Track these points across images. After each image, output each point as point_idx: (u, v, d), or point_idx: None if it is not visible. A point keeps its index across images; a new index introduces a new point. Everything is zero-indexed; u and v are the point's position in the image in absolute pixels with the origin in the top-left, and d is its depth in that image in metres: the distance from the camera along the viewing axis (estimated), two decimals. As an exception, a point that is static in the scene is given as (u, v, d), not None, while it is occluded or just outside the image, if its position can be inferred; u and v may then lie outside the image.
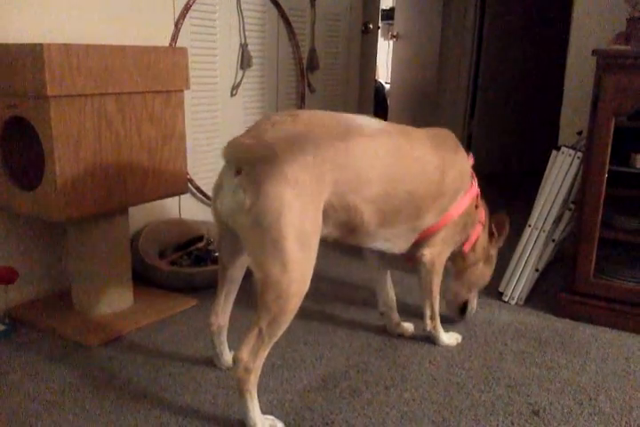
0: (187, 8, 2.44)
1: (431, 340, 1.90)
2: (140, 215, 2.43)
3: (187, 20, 2.46)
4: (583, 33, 2.60)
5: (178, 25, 2.43)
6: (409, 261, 1.85)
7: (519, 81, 4.79)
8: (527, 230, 2.23)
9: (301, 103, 3.10)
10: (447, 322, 1.98)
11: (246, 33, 2.71)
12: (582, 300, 2.07)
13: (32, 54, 1.62)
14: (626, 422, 1.52)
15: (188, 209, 2.66)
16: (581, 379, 1.72)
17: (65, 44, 1.66)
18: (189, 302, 2.16)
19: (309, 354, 1.83)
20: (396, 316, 1.96)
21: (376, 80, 4.55)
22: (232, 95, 2.72)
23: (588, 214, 1.99)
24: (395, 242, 1.71)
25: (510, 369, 1.76)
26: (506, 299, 2.25)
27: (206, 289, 2.21)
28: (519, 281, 2.24)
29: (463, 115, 4.73)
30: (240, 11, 2.67)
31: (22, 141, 1.85)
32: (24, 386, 1.63)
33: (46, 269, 2.17)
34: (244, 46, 2.71)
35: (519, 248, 2.25)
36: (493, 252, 1.98)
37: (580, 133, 2.41)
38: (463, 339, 1.94)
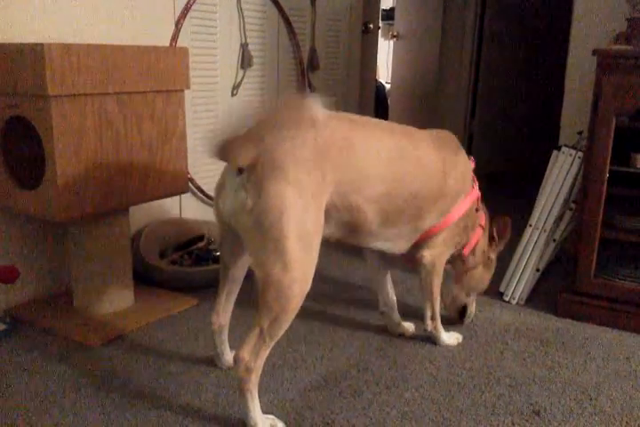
0: (187, 8, 2.44)
1: (432, 340, 1.90)
2: (141, 215, 2.43)
3: (187, 20, 2.46)
4: (584, 33, 2.60)
5: (178, 25, 2.43)
6: (409, 263, 1.85)
7: (520, 81, 4.80)
8: (528, 230, 2.23)
9: (302, 103, 3.09)
10: (448, 322, 1.98)
11: (247, 33, 2.71)
12: (583, 300, 2.07)
13: (33, 54, 1.62)
14: (626, 422, 1.52)
15: (189, 209, 2.66)
16: (582, 379, 1.72)
17: (65, 44, 1.66)
18: (190, 301, 2.16)
19: (310, 354, 1.83)
20: (396, 316, 1.96)
21: (376, 80, 4.54)
22: (232, 95, 2.72)
23: (588, 214, 1.99)
24: (396, 242, 1.71)
25: (511, 369, 1.76)
26: (507, 299, 2.25)
27: (207, 289, 2.21)
28: (520, 281, 2.24)
29: (464, 114, 4.73)
30: (240, 10, 2.67)
31: (23, 141, 1.85)
32: (24, 385, 1.63)
33: (47, 269, 2.17)
34: (244, 46, 2.71)
35: (520, 248, 2.25)
36: (493, 256, 1.98)
37: (580, 133, 2.42)
38: (464, 339, 1.94)
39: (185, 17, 2.44)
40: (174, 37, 2.43)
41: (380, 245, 1.70)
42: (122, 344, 1.86)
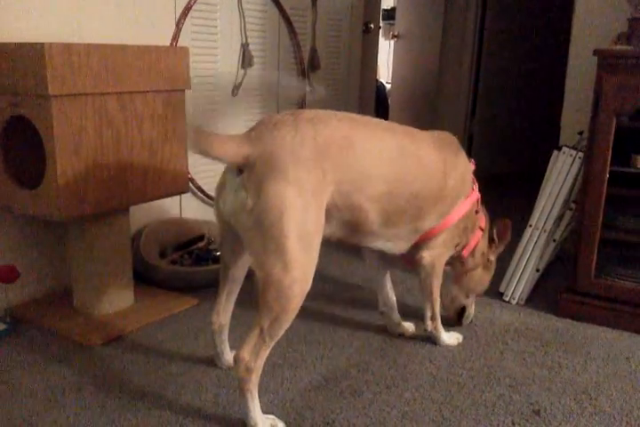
0: (188, 8, 2.44)
1: (432, 340, 1.90)
2: (141, 215, 2.43)
3: (188, 20, 2.46)
4: (584, 33, 2.60)
5: (179, 24, 2.43)
6: (408, 264, 1.85)
7: (520, 81, 4.80)
8: (528, 230, 2.23)
9: (302, 103, 3.10)
10: (446, 323, 1.97)
11: (247, 33, 2.71)
12: (583, 300, 2.07)
13: (33, 53, 1.62)
14: (626, 422, 1.52)
15: (189, 208, 2.66)
16: (582, 379, 1.72)
17: (66, 44, 1.66)
18: (190, 301, 2.16)
19: (310, 354, 1.83)
20: (396, 315, 1.96)
21: (377, 80, 4.54)
22: (233, 95, 2.72)
23: (589, 214, 1.99)
24: (396, 242, 1.71)
25: (511, 369, 1.76)
26: (507, 299, 2.25)
27: (207, 288, 2.21)
28: (520, 281, 2.24)
29: (464, 114, 4.72)
30: (241, 10, 2.67)
31: (23, 140, 1.85)
32: (25, 385, 1.63)
33: (47, 269, 2.17)
34: (245, 46, 2.71)
35: (520, 248, 2.25)
36: (493, 258, 1.98)
37: (581, 133, 2.41)
38: (464, 339, 1.94)
39: (186, 17, 2.44)
40: (175, 37, 2.43)
41: (380, 245, 1.70)
42: (122, 344, 1.87)
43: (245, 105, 2.80)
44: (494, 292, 2.27)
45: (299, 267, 1.34)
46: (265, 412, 1.46)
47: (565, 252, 2.41)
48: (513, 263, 2.26)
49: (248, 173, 1.34)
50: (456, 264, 1.92)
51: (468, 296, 1.99)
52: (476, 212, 1.84)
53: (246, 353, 1.37)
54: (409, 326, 1.96)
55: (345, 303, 2.21)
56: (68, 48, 1.65)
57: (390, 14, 5.99)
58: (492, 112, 4.74)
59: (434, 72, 4.76)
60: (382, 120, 1.64)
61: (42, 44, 1.60)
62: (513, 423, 1.50)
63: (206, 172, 2.62)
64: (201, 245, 2.50)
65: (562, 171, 2.16)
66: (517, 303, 2.23)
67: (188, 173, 2.20)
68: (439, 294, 1.86)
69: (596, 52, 1.92)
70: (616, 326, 2.03)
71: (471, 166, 1.82)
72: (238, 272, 1.62)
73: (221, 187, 1.44)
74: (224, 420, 1.49)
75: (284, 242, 1.31)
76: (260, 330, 1.36)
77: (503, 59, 4.65)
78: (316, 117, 1.44)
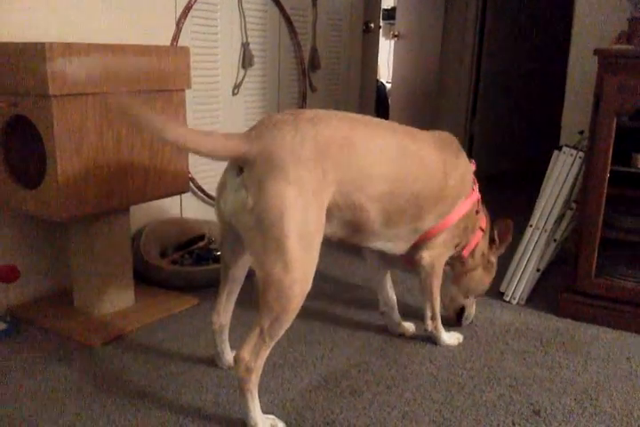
0: (188, 7, 2.44)
1: (432, 340, 1.90)
2: (142, 214, 2.43)
3: (188, 20, 2.46)
4: (585, 32, 2.60)
5: (179, 24, 2.43)
6: (408, 264, 1.85)
7: (521, 80, 4.80)
8: (529, 230, 2.23)
9: (303, 102, 3.10)
10: (446, 324, 1.97)
11: (248, 32, 2.71)
12: (584, 300, 2.07)
13: (34, 53, 1.62)
14: (627, 423, 1.52)
15: (190, 208, 2.66)
16: (582, 379, 1.72)
17: (67, 44, 1.66)
18: (190, 301, 2.16)
19: (310, 354, 1.83)
20: (396, 315, 1.96)
21: (377, 79, 4.54)
22: (233, 94, 2.72)
23: (589, 214, 1.99)
24: (396, 243, 1.71)
25: (511, 369, 1.76)
26: (507, 299, 2.25)
27: (207, 288, 2.21)
28: (520, 281, 2.24)
29: (465, 114, 4.72)
30: (241, 10, 2.67)
31: (24, 140, 1.85)
32: (25, 385, 1.63)
33: (48, 268, 2.17)
34: (245, 45, 2.71)
35: (520, 248, 2.25)
36: (493, 259, 1.98)
37: (581, 133, 2.41)
38: (464, 339, 1.93)
39: (186, 16, 2.44)
40: (175, 37, 2.42)
41: (380, 245, 1.70)
42: (122, 344, 1.86)
43: (246, 104, 2.80)
44: (495, 292, 2.27)
45: (299, 267, 1.34)
46: (265, 412, 1.46)
47: (566, 252, 2.41)
48: (513, 263, 2.26)
49: (248, 172, 1.34)
50: (456, 264, 1.92)
51: (467, 297, 1.99)
52: (477, 212, 1.84)
53: (246, 353, 1.37)
54: (409, 326, 1.96)
55: (345, 303, 2.21)
56: (68, 48, 1.65)
57: (390, 14, 5.99)
58: (492, 112, 4.74)
59: (434, 72, 4.76)
60: (383, 120, 1.64)
61: (42, 44, 1.60)
62: (513, 423, 1.50)
63: (207, 171, 2.63)
64: (201, 244, 2.50)
65: (562, 170, 2.16)
66: (518, 303, 2.23)
67: (189, 173, 2.20)
68: (439, 294, 1.86)
69: (596, 52, 1.92)
70: (616, 326, 2.03)
71: (472, 167, 1.82)
72: (239, 272, 1.62)
73: (222, 186, 1.44)
74: (224, 420, 1.49)
75: (285, 242, 1.31)
76: (261, 330, 1.36)
77: (503, 59, 4.65)
78: (317, 117, 1.44)
